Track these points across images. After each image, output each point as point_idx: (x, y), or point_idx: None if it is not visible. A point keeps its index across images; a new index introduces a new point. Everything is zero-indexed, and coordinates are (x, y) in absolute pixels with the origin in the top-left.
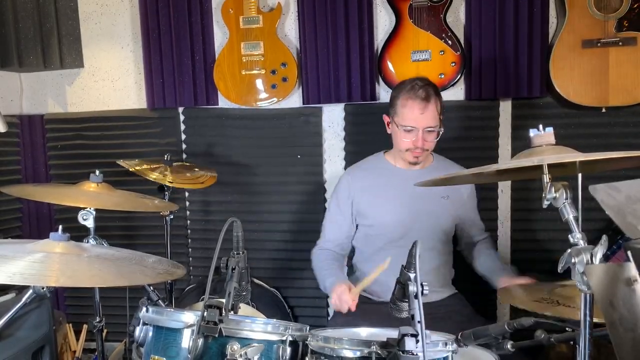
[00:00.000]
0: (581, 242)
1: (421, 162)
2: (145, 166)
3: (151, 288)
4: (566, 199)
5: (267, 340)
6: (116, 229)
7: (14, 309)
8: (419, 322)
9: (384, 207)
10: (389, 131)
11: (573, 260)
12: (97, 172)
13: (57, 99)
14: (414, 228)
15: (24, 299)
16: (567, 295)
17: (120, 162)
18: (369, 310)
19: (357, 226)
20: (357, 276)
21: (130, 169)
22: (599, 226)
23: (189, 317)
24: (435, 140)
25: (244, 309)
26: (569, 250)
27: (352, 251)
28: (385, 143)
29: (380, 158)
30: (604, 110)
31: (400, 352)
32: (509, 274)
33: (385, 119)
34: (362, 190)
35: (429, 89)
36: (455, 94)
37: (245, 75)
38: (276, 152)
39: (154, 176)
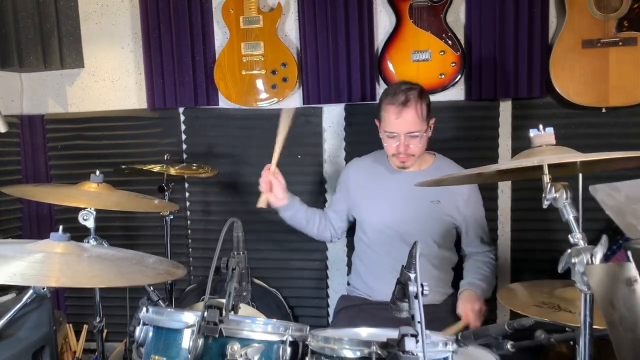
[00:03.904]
0: (581, 242)
1: (409, 166)
2: (147, 167)
3: (151, 288)
4: (566, 199)
5: (267, 340)
6: (116, 229)
7: (15, 309)
8: (419, 322)
9: (373, 205)
10: (380, 135)
11: (573, 261)
12: (98, 172)
13: (57, 99)
14: (400, 230)
15: (24, 299)
16: (568, 298)
17: (124, 167)
18: (369, 309)
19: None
20: (356, 273)
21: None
22: (599, 226)
23: (189, 317)
24: (420, 145)
25: (244, 309)
26: (569, 250)
27: (352, 249)
28: None
29: (383, 156)
30: (604, 110)
31: (401, 352)
32: (468, 298)
33: (377, 122)
34: (357, 183)
35: (409, 94)
36: (455, 94)
37: (245, 76)
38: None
39: (157, 169)
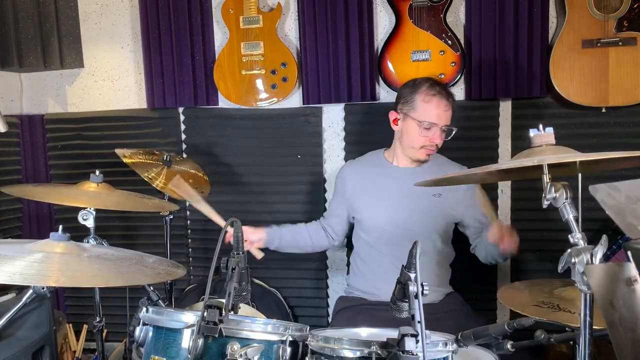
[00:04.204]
0: (581, 242)
1: (429, 159)
2: (140, 158)
3: (151, 288)
4: (566, 199)
5: (267, 340)
6: (116, 229)
7: (14, 309)
8: (419, 322)
9: (374, 205)
10: (395, 128)
11: (573, 260)
12: (97, 172)
13: (57, 99)
14: (405, 227)
15: (24, 299)
16: (568, 298)
17: (117, 151)
18: (368, 310)
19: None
20: (357, 273)
21: (125, 160)
22: (599, 226)
23: (189, 317)
24: (447, 139)
25: (244, 309)
26: (569, 250)
27: (352, 249)
28: (385, 143)
29: (379, 155)
30: (604, 110)
31: (400, 352)
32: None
33: (393, 115)
34: (355, 185)
35: (449, 88)
36: (455, 94)
37: (245, 75)
38: (276, 152)
39: (151, 175)
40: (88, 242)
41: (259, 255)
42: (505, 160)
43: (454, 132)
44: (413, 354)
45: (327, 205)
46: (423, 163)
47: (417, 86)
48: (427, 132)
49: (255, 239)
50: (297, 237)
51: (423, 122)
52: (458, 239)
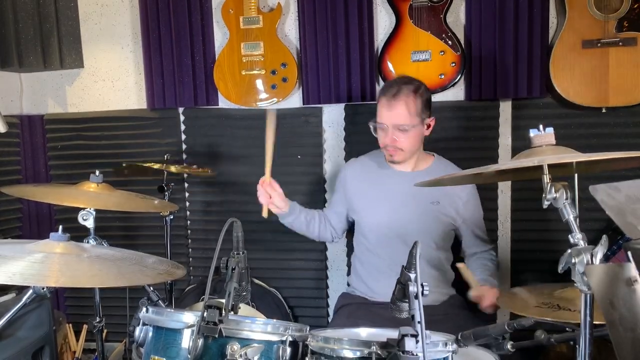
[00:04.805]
0: (581, 242)
1: (399, 161)
2: (148, 164)
3: (151, 288)
4: (566, 199)
5: (267, 340)
6: (116, 229)
7: (14, 309)
8: (419, 322)
9: (373, 208)
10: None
11: (573, 261)
12: (97, 172)
13: (57, 99)
14: (402, 232)
15: (24, 299)
16: (568, 298)
17: (124, 165)
18: (369, 308)
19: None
20: (356, 274)
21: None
22: (599, 226)
23: (189, 317)
24: (410, 140)
25: (244, 309)
26: (569, 251)
27: (352, 249)
28: None
29: (380, 156)
30: (604, 110)
31: (401, 353)
32: (482, 287)
33: None
34: (355, 187)
35: (402, 87)
36: (455, 94)
37: (245, 76)
38: (276, 152)
39: (157, 166)
40: (88, 242)
41: (266, 214)
42: (505, 160)
43: (410, 130)
44: (413, 354)
45: (327, 204)
46: (396, 164)
47: (381, 87)
48: (382, 133)
49: (279, 204)
50: (309, 224)
51: (377, 124)
52: (458, 241)
